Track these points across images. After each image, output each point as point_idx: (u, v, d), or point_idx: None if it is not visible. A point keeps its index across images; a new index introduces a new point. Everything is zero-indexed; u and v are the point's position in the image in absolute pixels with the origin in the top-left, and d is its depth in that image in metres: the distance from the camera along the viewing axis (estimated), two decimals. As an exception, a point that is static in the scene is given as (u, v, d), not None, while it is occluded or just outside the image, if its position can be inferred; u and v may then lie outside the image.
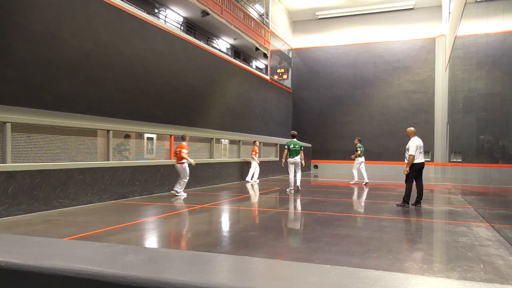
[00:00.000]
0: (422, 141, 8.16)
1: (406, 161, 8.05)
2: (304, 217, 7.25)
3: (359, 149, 13.91)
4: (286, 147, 10.87)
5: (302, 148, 10.92)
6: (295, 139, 10.84)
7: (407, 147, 8.06)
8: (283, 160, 10.93)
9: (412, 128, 8.32)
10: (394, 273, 0.72)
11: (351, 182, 14.34)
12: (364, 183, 13.85)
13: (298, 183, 10.92)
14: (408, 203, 8.12)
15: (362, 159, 13.96)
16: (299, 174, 10.91)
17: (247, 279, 0.73)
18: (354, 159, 14.12)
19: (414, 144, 7.91)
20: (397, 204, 8.28)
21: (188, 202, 8.71)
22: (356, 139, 14.28)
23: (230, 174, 13.72)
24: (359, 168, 14.05)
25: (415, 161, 7.92)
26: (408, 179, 8.06)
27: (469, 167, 9.52)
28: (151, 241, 5.29)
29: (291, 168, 10.82)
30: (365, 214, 7.18)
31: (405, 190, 8.19)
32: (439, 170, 20.51)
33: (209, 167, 12.38)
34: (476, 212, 7.64)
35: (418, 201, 8.20)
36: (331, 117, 23.38)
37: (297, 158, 10.71)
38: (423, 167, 8.07)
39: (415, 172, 7.99)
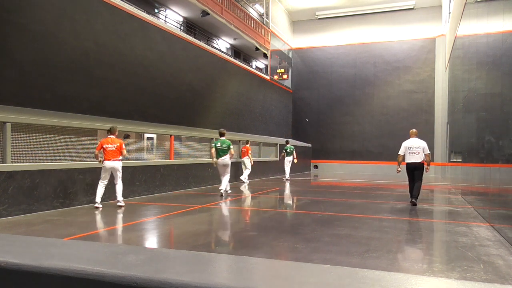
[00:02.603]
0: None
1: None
2: (304, 217, 7.24)
3: (288, 149, 15.69)
4: (213, 145, 9.87)
5: (231, 146, 9.88)
6: (223, 138, 9.99)
7: None
8: (214, 159, 9.80)
9: (413, 130, 8.58)
10: (394, 273, 0.72)
11: (285, 179, 15.80)
12: (285, 178, 15.66)
13: (222, 188, 9.82)
14: (412, 199, 8.30)
15: (290, 158, 15.68)
16: (226, 178, 9.95)
17: (247, 279, 0.73)
18: (286, 157, 15.75)
19: (403, 145, 8.26)
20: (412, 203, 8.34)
21: (188, 202, 8.71)
22: (286, 141, 16.53)
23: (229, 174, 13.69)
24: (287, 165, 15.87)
25: (405, 161, 8.23)
26: (412, 178, 8.28)
27: (469, 167, 9.52)
28: (151, 241, 5.29)
29: (219, 170, 10.03)
30: (365, 214, 7.17)
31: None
32: (439, 170, 20.50)
33: (209, 167, 12.37)
34: (476, 212, 7.64)
35: (411, 200, 8.33)
36: (331, 117, 23.37)
37: (225, 158, 9.75)
38: (412, 168, 8.16)
39: (407, 171, 8.26)
